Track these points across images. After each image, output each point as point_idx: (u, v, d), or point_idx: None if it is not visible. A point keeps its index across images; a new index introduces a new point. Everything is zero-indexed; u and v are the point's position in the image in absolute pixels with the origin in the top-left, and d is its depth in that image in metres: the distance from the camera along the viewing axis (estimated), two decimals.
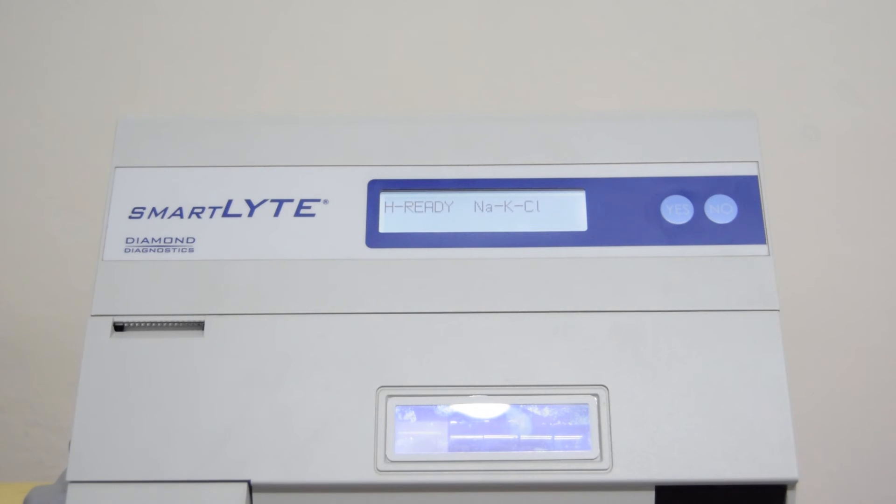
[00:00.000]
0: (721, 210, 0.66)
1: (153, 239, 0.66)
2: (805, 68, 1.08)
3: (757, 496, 0.60)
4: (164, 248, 0.65)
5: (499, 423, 0.61)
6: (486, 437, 0.61)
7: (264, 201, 0.66)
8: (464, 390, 0.62)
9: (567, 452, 0.60)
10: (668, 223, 0.65)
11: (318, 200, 0.66)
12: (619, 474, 0.59)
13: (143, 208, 0.66)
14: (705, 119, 0.68)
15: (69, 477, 0.60)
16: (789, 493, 0.60)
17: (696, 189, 0.66)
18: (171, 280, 0.64)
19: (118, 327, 0.63)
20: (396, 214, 0.66)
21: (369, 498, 0.60)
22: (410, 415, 0.61)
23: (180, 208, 0.66)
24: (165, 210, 0.66)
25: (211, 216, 0.66)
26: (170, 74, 1.09)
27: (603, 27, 1.08)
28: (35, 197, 1.10)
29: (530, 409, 0.61)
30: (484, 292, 0.64)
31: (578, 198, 0.66)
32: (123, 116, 0.69)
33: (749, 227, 0.65)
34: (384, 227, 0.66)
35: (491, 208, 0.66)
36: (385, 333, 0.63)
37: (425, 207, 0.66)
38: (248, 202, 0.66)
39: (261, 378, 0.62)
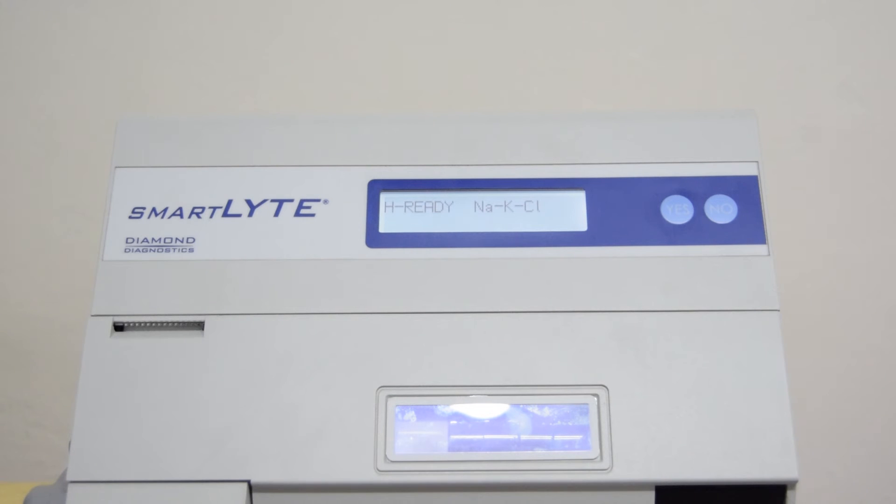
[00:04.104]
0: (721, 210, 0.66)
1: (153, 239, 0.66)
2: (805, 68, 1.08)
3: (757, 496, 0.60)
4: (164, 248, 0.65)
5: (499, 423, 0.61)
6: (486, 437, 0.61)
7: (264, 201, 0.66)
8: (464, 390, 0.62)
9: (567, 452, 0.60)
10: (668, 223, 0.65)
11: (318, 200, 0.66)
12: (619, 474, 0.60)
13: (143, 208, 0.66)
14: (705, 119, 0.68)
15: (69, 477, 0.60)
16: (789, 493, 0.60)
17: (696, 189, 0.66)
18: (171, 280, 0.64)
19: (118, 327, 0.63)
20: (396, 214, 0.66)
21: (369, 498, 0.60)
22: (410, 415, 0.61)
23: (180, 208, 0.66)
24: (165, 210, 0.66)
25: (211, 216, 0.66)
26: (170, 75, 1.10)
27: (603, 27, 1.08)
28: (35, 197, 1.10)
29: (530, 409, 0.61)
30: (484, 292, 0.64)
31: (578, 198, 0.66)
32: (123, 116, 0.69)
33: (749, 227, 0.65)
34: (384, 227, 0.66)
35: (491, 208, 0.66)
36: (385, 333, 0.63)
37: (425, 207, 0.66)
38: (248, 202, 0.66)
39: (261, 378, 0.62)
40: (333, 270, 0.64)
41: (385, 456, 0.60)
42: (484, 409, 0.61)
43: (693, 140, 0.67)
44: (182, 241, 0.65)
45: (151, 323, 0.63)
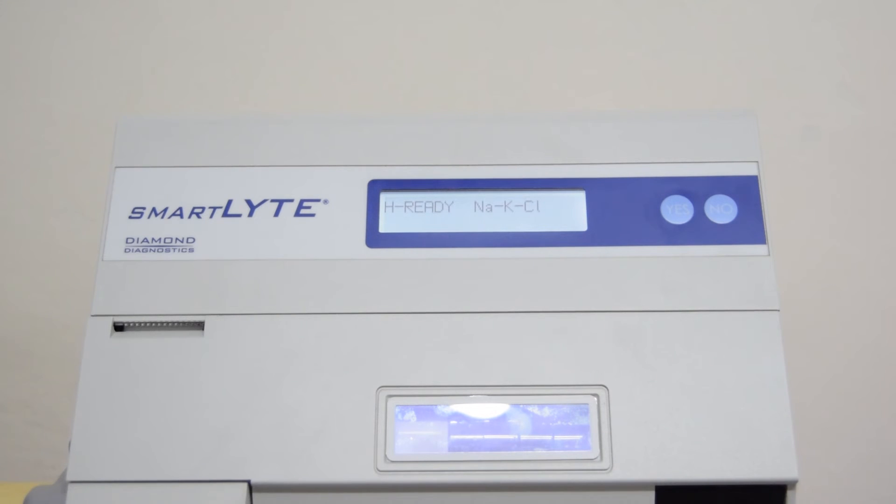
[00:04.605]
0: (721, 210, 0.66)
1: (153, 239, 0.66)
2: (805, 68, 1.08)
3: (757, 496, 0.60)
4: (164, 248, 0.65)
5: (499, 423, 0.61)
6: (486, 437, 0.61)
7: (264, 201, 0.66)
8: (464, 390, 0.62)
9: (567, 452, 0.60)
10: (668, 223, 0.65)
11: (318, 200, 0.66)
12: (619, 474, 0.60)
13: (143, 208, 0.66)
14: (705, 119, 0.68)
15: (69, 477, 0.60)
16: (789, 493, 0.60)
17: (696, 189, 0.66)
18: (171, 280, 0.64)
19: (118, 327, 0.63)
20: (396, 214, 0.66)
21: (369, 498, 0.60)
22: (410, 415, 0.61)
23: (180, 208, 0.66)
24: (165, 210, 0.66)
25: (211, 216, 0.66)
26: (170, 75, 1.10)
27: (603, 27, 1.08)
28: (35, 197, 1.10)
29: (530, 409, 0.61)
30: (484, 292, 0.64)
31: (578, 198, 0.66)
32: (123, 116, 0.69)
33: (749, 227, 0.65)
34: (384, 227, 0.66)
35: (491, 208, 0.66)
36: (385, 333, 0.63)
37: (425, 207, 0.66)
38: (248, 202, 0.66)
39: (261, 378, 0.62)
40: (333, 270, 0.64)
41: (385, 456, 0.60)
42: (484, 409, 0.61)
43: (693, 140, 0.67)
44: (182, 241, 0.65)
45: (151, 323, 0.63)
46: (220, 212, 0.66)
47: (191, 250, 0.65)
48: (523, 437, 0.61)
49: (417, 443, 0.61)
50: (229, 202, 0.66)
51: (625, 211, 0.66)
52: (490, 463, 0.60)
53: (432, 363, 0.62)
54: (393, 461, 0.60)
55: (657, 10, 1.08)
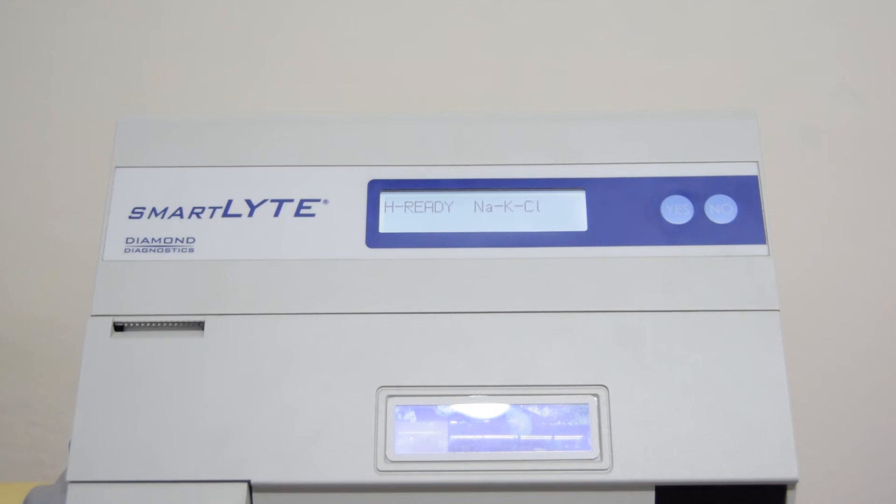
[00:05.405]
0: (721, 210, 0.66)
1: (153, 239, 0.66)
2: (805, 68, 1.08)
3: (757, 496, 0.60)
4: (164, 248, 0.65)
5: (499, 423, 0.61)
6: (486, 437, 0.61)
7: (264, 201, 0.66)
8: (464, 390, 0.62)
9: (567, 452, 0.60)
10: (668, 223, 0.65)
11: (318, 200, 0.66)
12: (619, 474, 0.60)
13: (143, 208, 0.66)
14: (705, 119, 0.68)
15: (69, 477, 0.60)
16: (789, 493, 0.60)
17: (696, 189, 0.66)
18: (171, 280, 0.64)
19: (118, 327, 0.63)
20: (396, 214, 0.66)
21: (369, 498, 0.60)
22: (410, 415, 0.61)
23: (180, 208, 0.66)
24: (165, 210, 0.66)
25: (211, 216, 0.66)
26: (170, 75, 1.10)
27: (602, 27, 1.08)
28: (35, 197, 1.10)
29: (530, 409, 0.61)
30: (484, 292, 0.64)
31: (578, 198, 0.66)
32: (123, 116, 0.69)
33: (749, 227, 0.65)
34: (384, 227, 0.66)
35: (491, 208, 0.66)
36: (385, 333, 0.63)
37: (425, 207, 0.66)
38: (248, 202, 0.66)
39: (261, 378, 0.62)
40: (333, 270, 0.64)
41: (385, 456, 0.60)
42: (484, 409, 0.61)
43: (693, 140, 0.67)
44: (182, 241, 0.65)
45: (151, 323, 0.63)
46: (220, 212, 0.66)
47: (191, 250, 0.65)
48: (523, 437, 0.61)
49: (417, 443, 0.61)
50: (229, 202, 0.66)
51: (625, 211, 0.66)
52: (490, 463, 0.60)
53: (432, 363, 0.62)
54: (393, 461, 0.60)
55: (657, 11, 1.08)
